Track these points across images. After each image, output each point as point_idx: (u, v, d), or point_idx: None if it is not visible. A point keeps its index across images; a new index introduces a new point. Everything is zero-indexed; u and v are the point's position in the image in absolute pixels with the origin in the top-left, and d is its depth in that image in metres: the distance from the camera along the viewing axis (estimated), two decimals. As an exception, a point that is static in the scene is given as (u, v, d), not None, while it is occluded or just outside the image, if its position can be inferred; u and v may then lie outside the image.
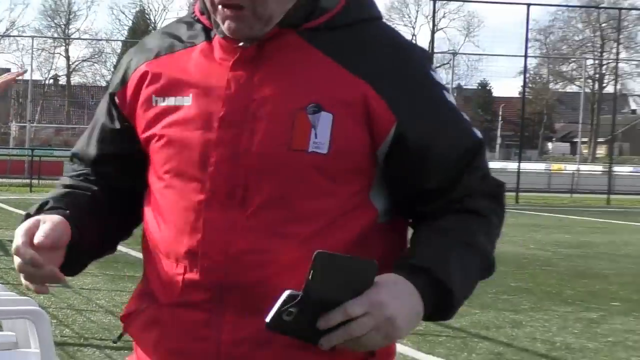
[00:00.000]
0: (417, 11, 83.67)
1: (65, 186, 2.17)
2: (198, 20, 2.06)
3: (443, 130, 1.99)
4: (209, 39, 2.02)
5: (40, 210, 2.01)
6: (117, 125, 2.13)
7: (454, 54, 74.90)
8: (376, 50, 1.98)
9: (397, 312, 1.81)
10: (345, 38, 1.98)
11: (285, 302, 1.80)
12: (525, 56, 39.76)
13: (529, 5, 35.72)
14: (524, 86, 45.48)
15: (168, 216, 1.99)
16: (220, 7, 1.91)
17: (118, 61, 2.10)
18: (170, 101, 2.00)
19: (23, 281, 1.95)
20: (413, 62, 2.02)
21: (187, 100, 1.98)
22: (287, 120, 1.92)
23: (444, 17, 74.42)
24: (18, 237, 1.90)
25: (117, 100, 2.11)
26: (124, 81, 2.11)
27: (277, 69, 1.96)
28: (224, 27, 1.93)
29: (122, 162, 2.14)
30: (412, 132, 1.95)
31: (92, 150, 2.17)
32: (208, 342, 1.95)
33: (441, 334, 9.03)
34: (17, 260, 1.91)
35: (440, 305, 1.91)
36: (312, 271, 1.78)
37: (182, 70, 2.01)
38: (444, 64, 77.87)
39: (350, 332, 1.79)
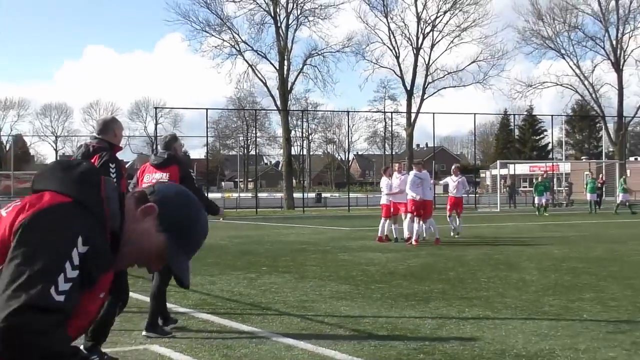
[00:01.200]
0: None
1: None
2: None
3: None
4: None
5: None
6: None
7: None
8: None
9: None
10: None
11: None
12: (207, 136, 40.32)
13: (207, 109, 36.74)
14: (207, 153, 45.64)
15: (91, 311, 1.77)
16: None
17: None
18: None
19: None
20: None
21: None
22: None
23: (161, 116, 73.62)
24: None
25: (99, 278, 1.73)
26: (106, 270, 1.74)
27: None
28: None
29: None
30: None
31: (71, 305, 1.64)
32: None
33: (182, 290, 8.89)
34: None
35: None
36: None
37: None
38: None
39: None
